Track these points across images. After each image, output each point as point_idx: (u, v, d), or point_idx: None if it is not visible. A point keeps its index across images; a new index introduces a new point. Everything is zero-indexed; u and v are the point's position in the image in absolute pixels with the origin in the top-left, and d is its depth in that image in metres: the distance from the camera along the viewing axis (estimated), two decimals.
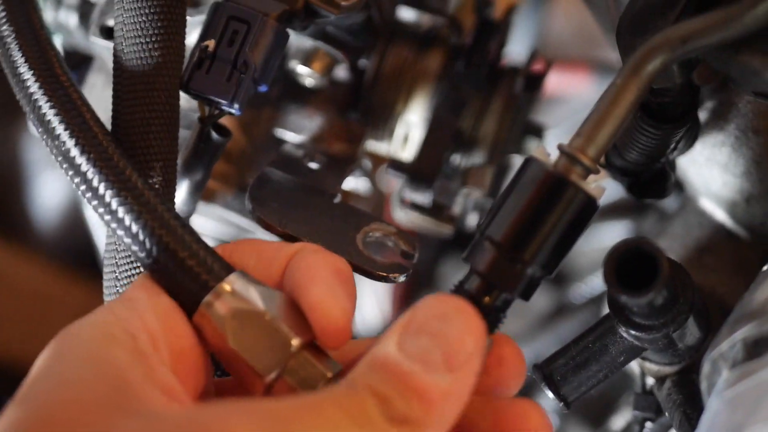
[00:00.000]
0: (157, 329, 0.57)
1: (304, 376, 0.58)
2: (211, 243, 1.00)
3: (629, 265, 0.61)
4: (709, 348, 0.59)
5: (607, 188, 1.25)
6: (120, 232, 0.61)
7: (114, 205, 0.61)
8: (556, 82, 1.31)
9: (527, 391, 1.13)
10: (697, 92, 0.71)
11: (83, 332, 0.57)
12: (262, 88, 0.71)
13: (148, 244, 0.60)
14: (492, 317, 0.61)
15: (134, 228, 0.61)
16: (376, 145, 0.87)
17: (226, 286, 0.59)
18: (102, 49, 0.83)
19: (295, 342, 0.58)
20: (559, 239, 0.60)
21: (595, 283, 1.16)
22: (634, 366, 0.79)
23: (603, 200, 1.22)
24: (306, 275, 0.60)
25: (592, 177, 0.61)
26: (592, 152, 0.60)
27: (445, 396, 0.53)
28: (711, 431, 0.56)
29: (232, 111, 0.70)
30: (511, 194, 0.61)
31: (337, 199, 0.77)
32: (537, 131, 0.90)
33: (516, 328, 1.21)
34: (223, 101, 0.69)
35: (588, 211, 0.61)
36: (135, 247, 0.61)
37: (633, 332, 0.66)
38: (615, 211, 1.19)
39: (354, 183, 0.92)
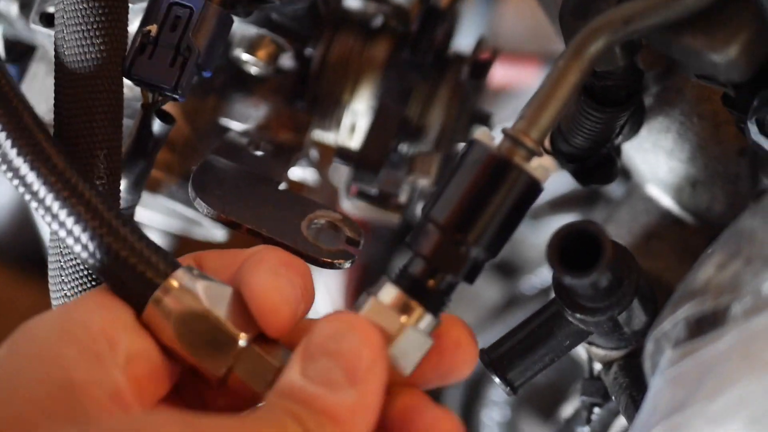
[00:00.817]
0: (114, 331, 0.57)
1: (253, 371, 0.58)
2: (158, 236, 1.00)
3: (574, 249, 0.61)
4: (652, 327, 0.60)
5: (558, 180, 1.26)
6: (62, 234, 0.60)
7: (54, 207, 0.60)
8: (508, 75, 1.31)
9: (478, 379, 1.14)
10: (641, 76, 0.71)
11: (39, 329, 0.57)
12: (206, 74, 0.71)
13: (90, 247, 0.59)
14: (436, 300, 0.61)
15: (76, 230, 0.60)
16: (323, 135, 0.87)
17: (173, 283, 0.58)
18: (44, 37, 0.82)
19: (242, 338, 0.58)
20: (502, 221, 0.60)
21: (545, 275, 1.16)
22: (582, 352, 0.79)
23: (554, 192, 1.23)
24: (251, 267, 0.60)
25: (536, 159, 0.61)
26: (535, 134, 0.60)
27: (354, 411, 0.55)
28: (654, 410, 0.56)
29: (176, 97, 0.69)
30: (455, 177, 0.60)
31: (282, 187, 0.77)
32: (485, 120, 0.89)
33: (468, 320, 1.20)
34: (166, 87, 0.68)
35: (531, 193, 0.60)
36: (77, 248, 0.60)
37: (578, 315, 0.66)
38: (566, 202, 1.19)
39: (302, 173, 0.91)
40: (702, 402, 0.53)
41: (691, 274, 0.59)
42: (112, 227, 0.60)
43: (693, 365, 0.55)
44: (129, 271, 0.59)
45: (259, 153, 0.80)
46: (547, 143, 0.79)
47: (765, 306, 0.53)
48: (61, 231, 0.60)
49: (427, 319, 0.60)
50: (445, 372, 0.62)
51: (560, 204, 1.19)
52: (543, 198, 1.22)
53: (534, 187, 0.60)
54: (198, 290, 0.58)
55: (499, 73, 1.24)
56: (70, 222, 0.60)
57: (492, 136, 0.61)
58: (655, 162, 0.80)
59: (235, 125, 0.83)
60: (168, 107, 0.79)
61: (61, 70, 0.68)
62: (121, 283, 0.59)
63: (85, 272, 0.65)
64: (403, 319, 0.59)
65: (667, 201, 0.82)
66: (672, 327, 0.57)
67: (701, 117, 0.77)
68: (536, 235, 1.21)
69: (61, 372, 0.54)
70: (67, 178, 0.61)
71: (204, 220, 0.88)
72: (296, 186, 0.92)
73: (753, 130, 0.64)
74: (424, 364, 0.60)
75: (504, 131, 0.60)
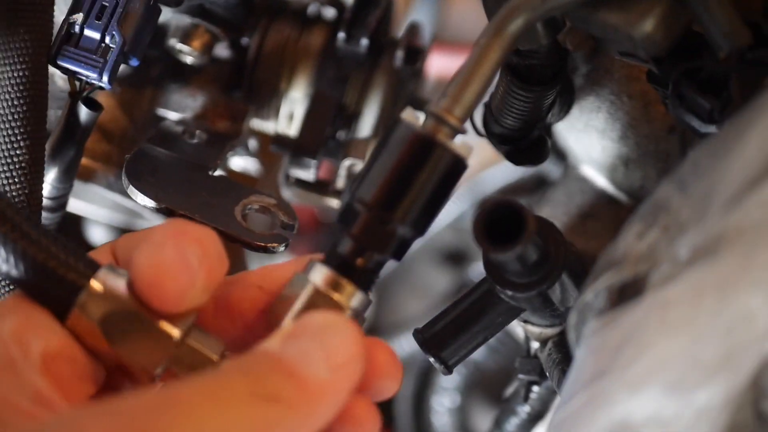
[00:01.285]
0: (26, 333, 0.55)
1: (190, 365, 0.57)
2: (102, 230, 1.00)
3: (501, 228, 0.62)
4: (577, 298, 0.60)
5: (506, 168, 1.26)
6: None
7: None
8: (453, 65, 1.32)
9: (428, 366, 1.14)
10: (566, 55, 0.72)
11: None
12: (133, 62, 0.71)
13: (4, 254, 0.56)
14: (365, 278, 0.61)
15: None
16: (261, 124, 0.87)
17: (96, 285, 0.56)
18: None
19: (176, 333, 0.56)
20: (428, 199, 0.60)
21: None
22: (520, 331, 0.80)
23: (503, 180, 1.24)
24: (139, 247, 0.57)
25: (460, 137, 0.62)
26: (459, 112, 0.61)
27: (323, 389, 0.53)
28: (576, 380, 0.57)
29: (102, 85, 0.69)
30: (380, 156, 0.61)
31: (217, 173, 0.77)
32: (422, 106, 0.90)
33: (419, 308, 1.22)
34: (91, 74, 0.69)
35: (456, 171, 0.61)
36: None
37: (509, 292, 0.67)
38: (514, 190, 1.20)
39: (243, 163, 0.92)
40: (620, 369, 0.54)
41: (611, 245, 0.59)
42: (24, 232, 0.56)
43: (613, 334, 0.56)
44: (49, 276, 0.56)
45: (193, 141, 0.80)
46: (480, 126, 0.80)
47: (680, 272, 0.53)
48: None
49: (358, 297, 0.61)
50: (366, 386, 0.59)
51: (509, 192, 1.20)
52: (492, 186, 1.24)
53: (458, 165, 0.61)
54: (123, 287, 0.56)
55: (444, 64, 1.24)
56: None
57: (417, 116, 0.62)
58: (588, 142, 0.81)
59: (172, 115, 0.83)
60: (105, 99, 0.79)
61: None
62: (41, 290, 0.57)
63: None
64: (336, 296, 0.60)
65: (601, 180, 0.83)
66: (594, 297, 0.58)
67: (631, 96, 0.78)
68: None
69: None
70: None
71: (146, 211, 0.88)
72: (238, 176, 0.92)
73: (674, 104, 0.65)
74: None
75: (427, 110, 0.61)
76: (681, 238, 0.55)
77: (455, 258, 1.24)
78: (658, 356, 0.53)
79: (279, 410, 0.52)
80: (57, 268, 0.56)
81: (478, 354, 1.14)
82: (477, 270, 1.19)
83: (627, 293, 0.57)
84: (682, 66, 0.64)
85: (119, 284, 0.56)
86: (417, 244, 1.31)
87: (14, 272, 0.56)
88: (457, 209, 1.23)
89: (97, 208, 0.94)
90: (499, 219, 0.62)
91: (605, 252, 0.60)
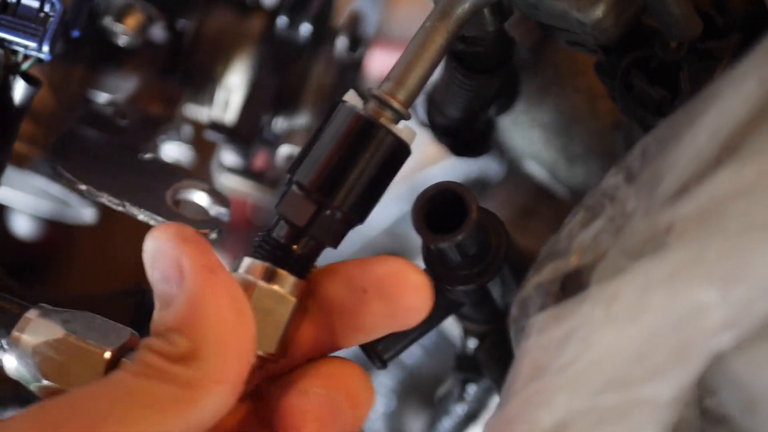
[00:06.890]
0: None
1: None
2: (27, 220, 0.97)
3: (443, 216, 0.60)
4: (518, 291, 0.58)
5: (448, 169, 1.24)
6: None
7: None
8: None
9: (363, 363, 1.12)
10: (512, 44, 0.70)
11: None
12: (75, 33, 0.68)
13: None
14: (301, 264, 0.59)
15: None
16: (197, 111, 0.85)
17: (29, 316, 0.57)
18: None
19: (107, 354, 0.56)
20: (369, 184, 0.58)
21: None
22: (457, 331, 0.78)
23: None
24: None
25: (403, 123, 0.59)
26: (402, 96, 0.59)
27: (189, 306, 0.52)
28: (516, 378, 0.54)
29: (41, 55, 0.66)
30: (320, 138, 0.58)
31: (149, 156, 0.74)
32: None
33: None
34: (30, 44, 0.65)
35: (399, 155, 0.59)
36: None
37: (448, 286, 0.65)
38: None
39: (175, 154, 0.89)
40: (562, 367, 0.52)
41: (554, 236, 0.58)
42: None
43: (556, 330, 0.53)
44: None
45: (124, 122, 0.77)
46: (423, 117, 0.78)
47: (627, 265, 0.52)
48: None
49: (297, 284, 0.58)
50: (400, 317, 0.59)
51: None
52: None
53: (401, 149, 0.59)
54: (55, 321, 0.57)
55: (387, 62, 1.23)
56: None
57: (360, 99, 0.60)
58: (531, 136, 0.79)
59: (104, 97, 0.80)
60: None
61: None
62: None
63: None
64: (276, 288, 0.57)
65: (543, 176, 0.82)
66: (536, 290, 0.56)
67: (577, 90, 0.76)
68: None
69: None
70: None
71: (73, 199, 0.85)
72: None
73: (622, 94, 0.64)
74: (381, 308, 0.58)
75: (370, 92, 0.59)
76: (627, 229, 0.53)
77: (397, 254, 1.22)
78: (603, 351, 0.51)
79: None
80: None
81: (413, 358, 1.12)
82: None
83: (571, 286, 0.55)
84: (632, 55, 0.62)
85: (48, 317, 0.57)
86: (354, 247, 1.28)
87: None
88: (396, 211, 1.21)
89: (22, 196, 0.90)
90: (441, 206, 0.60)
91: (548, 242, 0.58)
